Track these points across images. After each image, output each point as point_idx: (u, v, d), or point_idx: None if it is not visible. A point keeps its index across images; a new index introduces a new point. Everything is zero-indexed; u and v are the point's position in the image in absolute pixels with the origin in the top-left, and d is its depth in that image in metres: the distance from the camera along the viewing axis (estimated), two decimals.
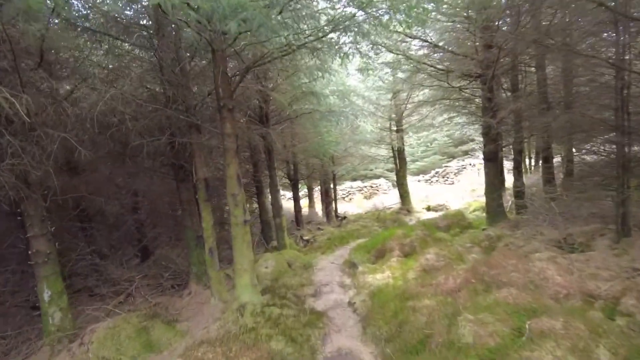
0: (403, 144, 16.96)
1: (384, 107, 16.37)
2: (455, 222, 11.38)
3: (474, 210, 14.40)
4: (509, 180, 17.27)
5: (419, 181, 27.00)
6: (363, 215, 16.29)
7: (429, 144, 30.10)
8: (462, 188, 23.29)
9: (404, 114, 16.36)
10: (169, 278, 9.54)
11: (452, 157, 31.59)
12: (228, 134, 5.75)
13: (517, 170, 11.17)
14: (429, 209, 17.51)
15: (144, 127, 7.16)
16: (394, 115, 16.09)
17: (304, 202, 28.42)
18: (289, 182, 15.79)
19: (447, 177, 27.37)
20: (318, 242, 12.20)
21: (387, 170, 34.34)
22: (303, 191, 30.29)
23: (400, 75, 11.76)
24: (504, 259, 5.18)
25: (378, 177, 32.91)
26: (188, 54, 6.46)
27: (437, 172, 27.73)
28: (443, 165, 28.19)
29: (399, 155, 17.05)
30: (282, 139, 12.88)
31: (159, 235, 14.16)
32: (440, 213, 16.44)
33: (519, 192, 11.04)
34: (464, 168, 26.72)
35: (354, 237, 12.77)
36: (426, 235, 9.36)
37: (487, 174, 9.44)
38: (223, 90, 5.70)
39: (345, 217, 15.32)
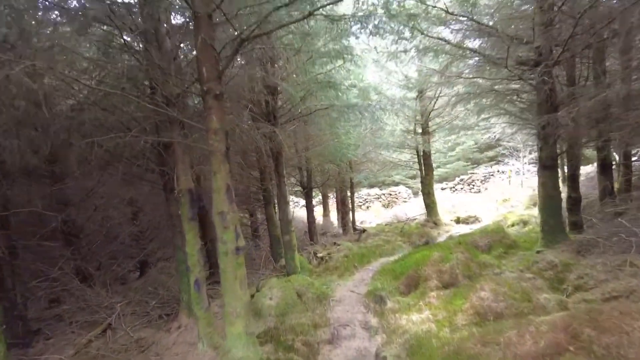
0: (430, 148, 15.18)
1: (408, 107, 14.66)
2: (497, 240, 9.58)
3: (512, 225, 12.54)
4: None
5: (442, 189, 25.11)
6: (384, 229, 14.55)
7: (452, 150, 28.17)
8: (491, 197, 21.36)
9: (430, 115, 14.60)
10: (157, 306, 8.00)
11: (477, 163, 29.63)
12: (214, 130, 4.16)
13: (573, 179, 9.34)
14: (458, 221, 15.69)
15: (119, 122, 5.66)
16: (419, 117, 14.36)
17: (317, 210, 26.84)
18: (301, 190, 14.19)
19: (473, 185, 25.47)
20: (334, 261, 10.52)
21: (407, 177, 32.56)
22: (317, 198, 28.71)
23: (432, 66, 10.03)
24: (622, 317, 3.42)
25: (397, 184, 31.13)
26: (166, 25, 4.90)
27: (461, 180, 25.82)
28: (468, 172, 26.24)
29: (425, 161, 15.29)
30: (293, 141, 11.30)
31: (157, 250, 12.72)
32: (472, 226, 14.63)
33: (574, 205, 9.22)
34: (492, 175, 24.78)
35: (375, 255, 11.06)
36: (468, 259, 7.61)
37: (543, 185, 7.66)
38: (208, 70, 4.12)
39: (364, 230, 13.62)
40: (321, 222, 21.04)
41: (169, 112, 4.76)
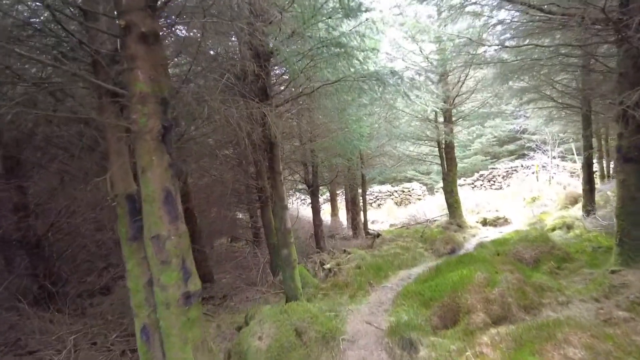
0: (453, 139, 13.30)
1: (429, 91, 12.81)
2: (546, 252, 7.75)
3: (553, 229, 10.65)
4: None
5: (460, 186, 23.09)
6: (402, 232, 12.73)
7: (471, 143, 26.19)
8: (515, 195, 19.43)
9: (454, 101, 12.72)
10: (119, 340, 6.33)
11: (496, 158, 27.65)
12: (140, 97, 2.43)
13: None
14: (485, 222, 13.81)
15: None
16: (442, 104, 12.49)
17: (325, 208, 25.06)
18: (306, 188, 12.45)
19: (494, 182, 23.55)
20: (344, 274, 8.78)
21: (421, 173, 30.66)
22: (325, 195, 26.96)
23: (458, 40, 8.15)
24: None
25: (409, 180, 29.28)
26: None
27: (481, 176, 23.88)
28: (489, 167, 24.26)
29: (447, 154, 13.42)
30: (296, 131, 9.55)
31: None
32: (501, 229, 12.78)
33: None
34: (515, 171, 22.82)
35: (393, 266, 9.28)
36: (520, 281, 5.80)
37: (623, 183, 5.78)
38: None
39: (378, 235, 11.83)
40: (329, 223, 19.32)
41: (93, 79, 3.02)
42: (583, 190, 10.90)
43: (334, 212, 19.60)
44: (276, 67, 5.95)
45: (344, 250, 10.40)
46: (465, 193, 20.89)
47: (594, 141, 16.82)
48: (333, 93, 6.23)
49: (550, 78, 10.11)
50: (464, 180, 24.31)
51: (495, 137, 26.79)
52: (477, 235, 12.39)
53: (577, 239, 9.18)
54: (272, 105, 5.63)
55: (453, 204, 13.47)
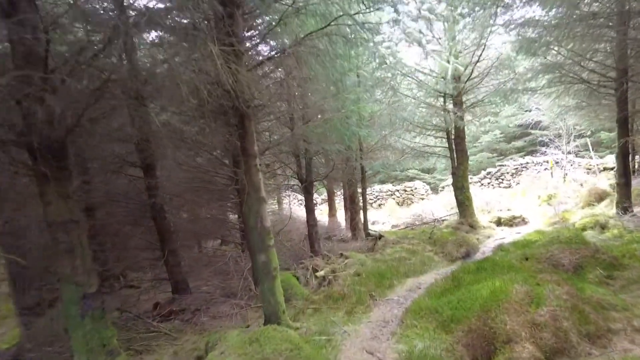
0: (464, 129, 11.85)
1: (436, 74, 11.40)
2: (589, 256, 6.27)
3: (583, 228, 9.17)
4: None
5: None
6: (407, 233, 11.24)
7: (481, 134, 24.74)
8: (527, 192, 17.99)
9: (466, 85, 11.26)
10: None
11: (503, 155, 26.21)
12: None
13: None
14: (499, 222, 12.34)
15: None
16: (450, 88, 11.05)
17: (323, 209, 23.59)
18: (299, 184, 11.02)
19: (502, 179, 22.09)
20: (340, 283, 7.32)
21: (423, 171, 29.23)
22: (323, 195, 25.53)
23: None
24: None
25: (411, 179, 27.86)
26: None
27: (489, 173, 22.42)
28: (497, 164, 22.81)
29: (457, 146, 11.95)
30: (283, 110, 8.09)
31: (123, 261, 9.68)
32: (519, 229, 11.33)
33: None
34: (525, 168, 21.35)
35: (399, 274, 7.82)
36: (573, 296, 4.34)
37: None
38: None
39: (380, 236, 10.35)
40: (326, 224, 17.88)
41: None
42: (617, 184, 9.47)
43: (331, 212, 18.19)
44: (247, 13, 4.49)
45: (341, 254, 8.94)
46: (473, 192, 19.43)
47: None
48: (325, 52, 4.79)
49: (580, 54, 8.71)
50: (471, 178, 22.80)
51: (502, 133, 25.37)
52: (492, 237, 10.93)
53: (618, 240, 7.72)
54: (242, 59, 4.18)
55: (464, 202, 12.01)
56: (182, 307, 7.65)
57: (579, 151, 19.62)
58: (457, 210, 12.89)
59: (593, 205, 11.90)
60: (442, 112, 11.15)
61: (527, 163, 21.30)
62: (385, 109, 10.92)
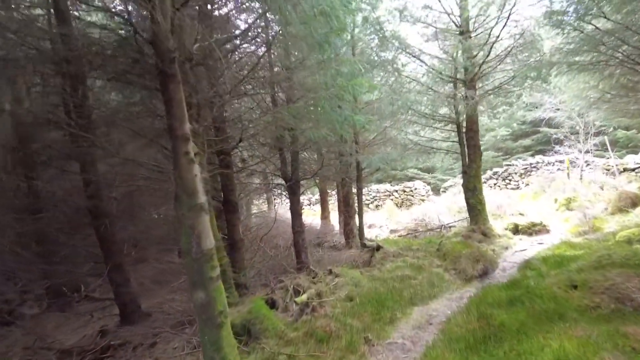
0: (478, 120, 10.15)
1: (445, 57, 9.71)
2: None
3: (628, 241, 7.47)
4: None
5: None
6: (410, 243, 9.49)
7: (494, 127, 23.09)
8: (539, 195, 16.36)
9: (482, 68, 9.54)
10: None
11: (509, 154, 24.57)
12: None
13: None
14: (516, 230, 10.64)
15: None
16: (460, 71, 9.37)
17: (316, 210, 21.88)
18: (283, 183, 9.36)
19: (510, 180, 20.45)
20: (328, 311, 5.63)
21: (423, 171, 27.60)
22: (316, 196, 23.83)
23: None
24: None
25: (410, 179, 26.20)
26: None
27: (495, 173, 20.77)
28: (504, 164, 21.15)
29: (469, 141, 10.24)
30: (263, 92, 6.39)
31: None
32: (540, 239, 9.68)
33: None
34: (534, 168, 19.70)
35: (403, 300, 6.11)
36: None
37: None
38: None
39: (378, 247, 8.60)
40: (319, 227, 16.17)
41: None
42: None
43: (324, 214, 16.51)
44: None
45: (330, 271, 7.21)
46: None
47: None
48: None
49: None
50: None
51: (509, 130, 23.74)
52: (510, 248, 9.24)
53: None
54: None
55: (476, 206, 10.31)
56: (127, 340, 5.93)
57: (594, 150, 17.96)
58: (467, 215, 11.21)
59: (626, 211, 10.24)
60: (452, 100, 9.42)
61: (538, 163, 19.66)
62: (386, 94, 9.19)
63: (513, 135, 24.37)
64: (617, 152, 19.66)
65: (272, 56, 7.48)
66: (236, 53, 6.69)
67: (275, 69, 7.07)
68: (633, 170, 16.42)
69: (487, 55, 9.20)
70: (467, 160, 10.32)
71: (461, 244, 8.30)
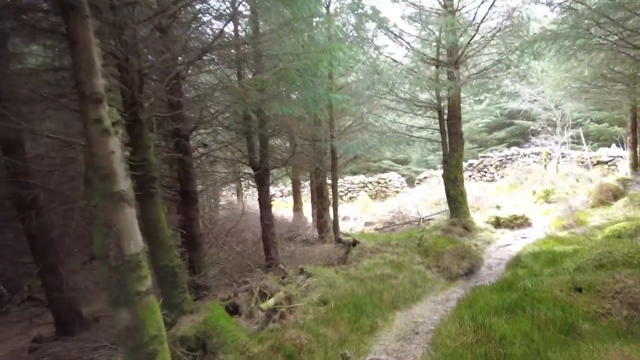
0: (460, 107, 9.54)
1: (428, 37, 9.03)
2: None
3: (618, 235, 7.01)
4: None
5: (440, 177, 19.40)
6: (388, 237, 8.78)
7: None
8: (516, 187, 16.09)
9: (466, 51, 8.90)
10: None
11: (483, 146, 24.40)
12: None
13: None
14: (498, 223, 10.15)
15: None
16: (443, 53, 8.71)
17: (287, 201, 21.03)
18: (251, 172, 8.50)
19: (485, 172, 20.21)
20: (298, 319, 4.86)
21: (396, 162, 27.16)
22: (287, 185, 22.99)
23: None
24: None
25: (384, 170, 25.73)
26: None
27: (470, 165, 20.46)
28: (479, 156, 20.90)
29: (451, 128, 9.62)
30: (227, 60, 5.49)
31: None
32: (523, 232, 9.22)
33: None
34: (510, 160, 19.49)
35: (383, 303, 5.40)
36: None
37: None
38: None
39: (355, 242, 7.84)
40: (291, 219, 15.38)
41: None
42: None
43: (296, 205, 15.72)
44: None
45: (302, 270, 6.42)
46: None
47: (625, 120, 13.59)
48: None
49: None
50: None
51: (484, 121, 23.54)
52: (493, 242, 8.73)
53: None
54: None
55: (457, 198, 9.73)
56: (53, 358, 4.97)
57: (571, 143, 17.88)
58: (446, 208, 10.66)
59: (607, 203, 9.92)
60: (434, 84, 8.74)
61: (513, 155, 19.47)
62: (364, 76, 8.42)
63: (488, 127, 24.20)
64: (590, 145, 19.75)
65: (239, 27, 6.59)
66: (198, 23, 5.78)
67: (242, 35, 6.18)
68: (606, 163, 16.39)
69: (473, 37, 8.56)
70: (448, 149, 9.71)
71: (444, 238, 7.69)
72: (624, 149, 16.02)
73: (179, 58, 5.13)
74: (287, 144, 9.54)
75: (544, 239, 7.94)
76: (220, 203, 17.65)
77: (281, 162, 8.59)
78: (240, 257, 9.58)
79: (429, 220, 11.07)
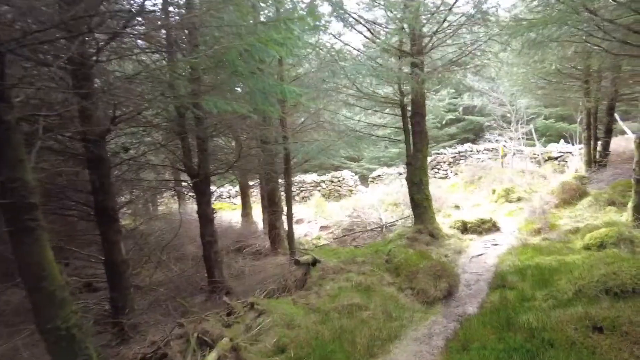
0: (425, 102, 8.69)
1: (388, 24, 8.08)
2: None
3: (601, 244, 6.42)
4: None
5: (400, 174, 18.74)
6: (355, 254, 7.65)
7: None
8: (472, 184, 15.75)
9: (432, 40, 8.02)
10: None
11: (435, 142, 24.19)
12: None
13: None
14: (465, 228, 9.43)
15: None
16: (406, 42, 7.79)
17: (235, 202, 19.48)
18: (189, 180, 7.16)
19: (439, 169, 19.89)
20: None
21: (348, 159, 26.33)
22: (229, 187, 21.46)
23: None
24: None
25: (336, 168, 24.85)
26: None
27: None
28: (433, 152, 20.54)
29: (415, 127, 8.74)
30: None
31: None
32: (493, 238, 8.56)
33: None
34: (463, 157, 19.27)
35: (356, 348, 4.28)
36: None
37: None
38: None
39: (314, 262, 6.66)
40: (239, 224, 13.94)
41: None
42: (637, 181, 6.88)
43: (245, 211, 14.33)
44: None
45: (252, 305, 5.17)
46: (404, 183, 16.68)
47: (581, 117, 13.51)
48: None
49: None
50: (404, 167, 20.30)
51: (435, 116, 23.27)
52: (464, 252, 7.96)
53: None
54: None
55: (422, 202, 8.88)
56: None
57: (525, 139, 17.91)
58: (407, 211, 9.85)
59: (572, 203, 9.56)
60: (397, 74, 7.77)
61: (467, 151, 19.26)
62: (319, 68, 7.28)
63: (439, 123, 24.04)
64: (540, 141, 20.02)
65: None
66: None
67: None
68: (556, 158, 16.50)
69: (442, 24, 7.68)
70: (412, 149, 8.83)
71: (415, 254, 6.74)
72: (572, 145, 16.19)
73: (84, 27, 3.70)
74: (234, 144, 8.22)
75: (519, 248, 7.26)
76: (160, 209, 15.80)
77: (225, 167, 7.25)
78: (181, 279, 8.20)
79: (391, 226, 10.19)
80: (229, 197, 21.96)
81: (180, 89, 3.75)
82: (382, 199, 14.29)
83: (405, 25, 7.68)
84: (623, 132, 15.04)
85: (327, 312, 5.10)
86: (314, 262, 6.50)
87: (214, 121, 6.24)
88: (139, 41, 5.07)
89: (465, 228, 9.38)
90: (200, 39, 4.53)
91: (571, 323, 3.73)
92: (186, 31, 5.01)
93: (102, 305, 6.27)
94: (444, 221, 10.05)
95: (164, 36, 5.24)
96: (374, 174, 21.53)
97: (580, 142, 14.40)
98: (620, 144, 14.09)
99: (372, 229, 10.17)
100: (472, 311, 5.20)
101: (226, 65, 3.80)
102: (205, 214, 7.01)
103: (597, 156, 12.48)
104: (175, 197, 18.23)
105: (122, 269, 5.53)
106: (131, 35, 4.60)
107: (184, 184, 8.17)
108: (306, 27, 3.68)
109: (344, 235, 10.43)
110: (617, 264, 4.60)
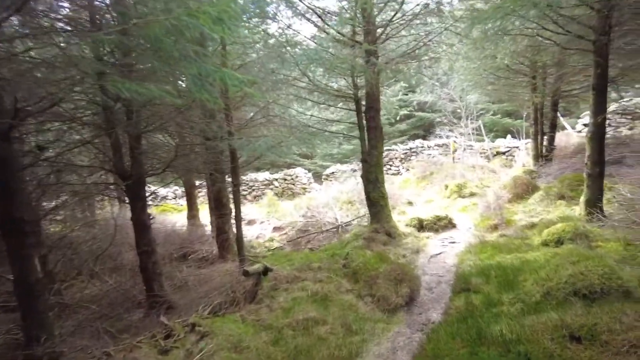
0: (379, 96, 8.32)
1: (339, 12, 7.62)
2: None
3: (558, 240, 6.31)
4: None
5: (353, 172, 18.49)
6: (310, 259, 7.07)
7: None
8: (422, 180, 15.77)
9: (386, 31, 7.64)
10: None
11: (386, 138, 24.18)
12: None
13: None
14: (421, 226, 9.18)
15: None
16: (358, 30, 7.36)
17: (180, 203, 18.30)
18: (119, 182, 6.30)
19: (390, 165, 19.85)
20: None
21: (301, 156, 25.81)
22: (175, 187, 20.24)
23: None
24: None
25: (289, 165, 24.24)
26: None
27: None
28: (385, 149, 20.44)
29: (370, 122, 8.34)
30: None
31: None
32: (450, 236, 8.37)
33: None
34: (414, 153, 19.34)
35: None
36: None
37: None
38: None
39: (266, 271, 6.02)
40: (185, 228, 12.98)
41: None
42: (589, 175, 6.87)
43: (191, 212, 13.39)
44: None
45: (193, 327, 4.49)
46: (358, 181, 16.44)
47: (528, 112, 13.78)
48: None
49: None
50: (348, 166, 20.02)
51: (385, 112, 23.25)
52: (422, 251, 7.67)
53: None
54: None
55: (378, 201, 8.52)
56: None
57: (474, 134, 18.23)
58: (363, 209, 9.47)
59: (524, 198, 9.61)
60: (350, 64, 7.29)
61: (418, 147, 19.34)
62: (267, 56, 6.65)
63: (392, 119, 24.06)
64: (488, 137, 20.53)
65: None
66: None
67: None
68: (504, 153, 16.91)
69: (396, 14, 7.30)
70: (367, 145, 8.43)
71: (375, 257, 6.32)
72: (519, 140, 16.66)
73: None
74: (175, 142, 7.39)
75: (478, 245, 7.05)
76: (98, 214, 14.42)
77: (162, 167, 6.44)
78: (116, 292, 7.32)
79: (347, 225, 9.76)
80: (174, 198, 20.67)
81: (85, 67, 3.01)
82: (337, 197, 13.87)
83: (359, 12, 7.25)
84: (563, 128, 15.67)
85: (280, 329, 4.52)
86: (266, 271, 5.88)
87: (146, 114, 5.45)
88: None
89: (421, 226, 9.14)
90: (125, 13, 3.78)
91: (546, 332, 3.42)
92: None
93: (14, 334, 5.33)
94: (400, 219, 9.77)
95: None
96: (328, 171, 21.15)
97: (526, 137, 14.75)
98: (562, 139, 14.60)
99: (327, 230, 9.69)
100: (437, 318, 4.85)
101: (149, 47, 3.10)
102: (141, 221, 6.19)
103: (544, 151, 12.78)
104: (116, 200, 16.80)
105: (36, 290, 4.63)
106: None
107: (115, 187, 7.21)
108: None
109: (298, 237, 9.87)
110: (582, 262, 4.39)
